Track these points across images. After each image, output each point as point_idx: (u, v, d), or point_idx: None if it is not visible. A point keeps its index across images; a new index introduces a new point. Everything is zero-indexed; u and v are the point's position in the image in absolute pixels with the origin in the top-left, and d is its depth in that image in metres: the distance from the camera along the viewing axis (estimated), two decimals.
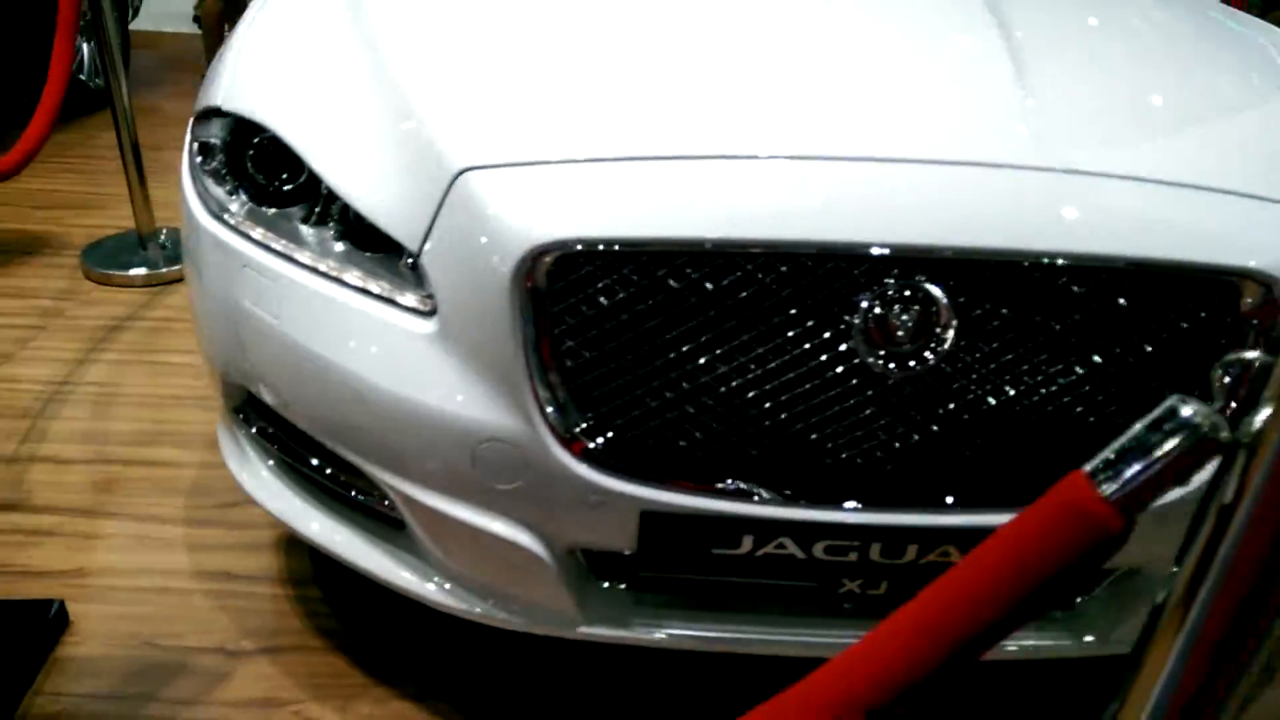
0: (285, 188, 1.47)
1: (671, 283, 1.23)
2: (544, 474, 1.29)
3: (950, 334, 1.24)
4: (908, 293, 1.23)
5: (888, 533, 1.32)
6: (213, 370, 1.59)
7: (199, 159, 1.55)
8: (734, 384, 1.27)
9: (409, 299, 1.33)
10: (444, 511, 1.36)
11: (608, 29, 1.50)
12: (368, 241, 1.39)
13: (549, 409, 1.27)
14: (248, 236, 1.44)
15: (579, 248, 1.21)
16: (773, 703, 0.73)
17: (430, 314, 1.32)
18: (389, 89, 1.42)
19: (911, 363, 1.25)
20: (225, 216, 1.47)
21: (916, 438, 1.30)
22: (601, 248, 1.21)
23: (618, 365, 1.26)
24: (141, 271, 3.10)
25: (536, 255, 1.21)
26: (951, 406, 1.28)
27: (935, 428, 1.29)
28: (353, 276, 1.37)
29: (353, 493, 1.49)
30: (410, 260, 1.34)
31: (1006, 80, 1.40)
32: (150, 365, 2.63)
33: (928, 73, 1.42)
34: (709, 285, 1.23)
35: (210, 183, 1.51)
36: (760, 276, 1.23)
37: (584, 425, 1.28)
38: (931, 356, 1.25)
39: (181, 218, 1.62)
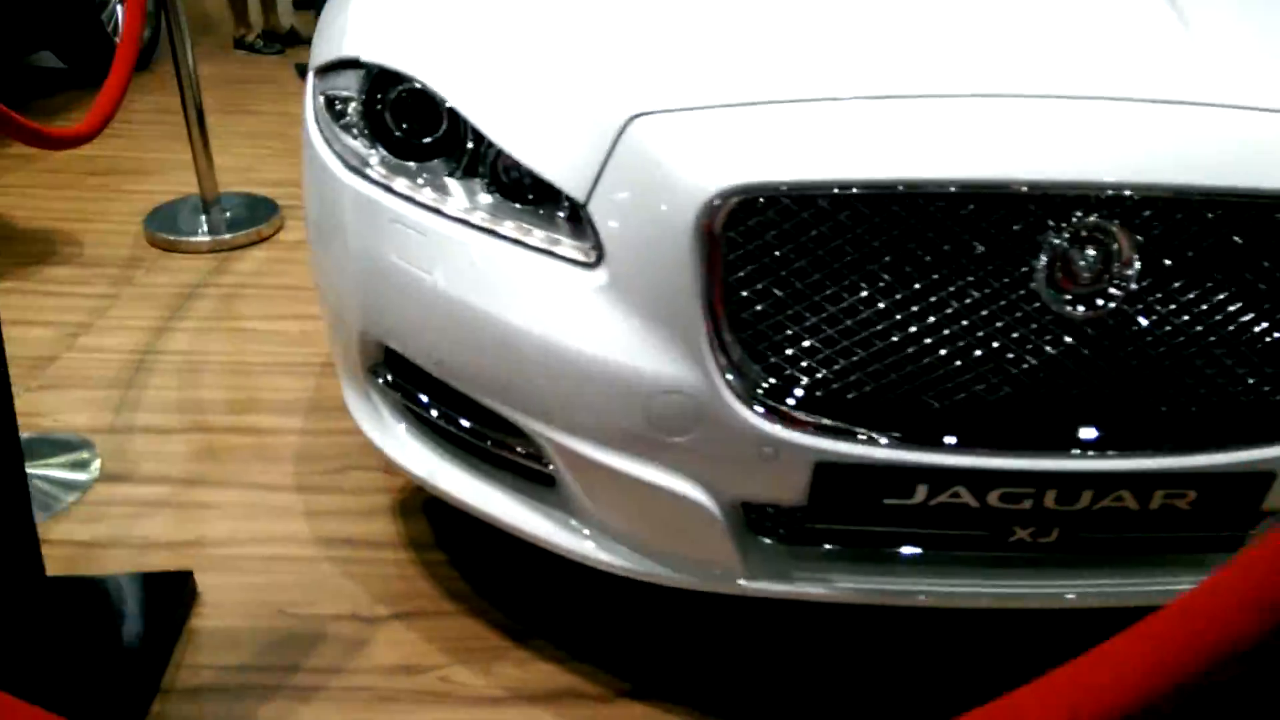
0: (424, 140, 1.42)
1: (852, 227, 1.18)
2: (718, 426, 1.25)
3: (1132, 274, 1.20)
4: (1089, 232, 1.19)
5: (1064, 479, 1.28)
6: (344, 329, 1.55)
7: (326, 113, 1.50)
8: (912, 330, 1.22)
9: (572, 249, 1.29)
10: (609, 466, 1.32)
11: None
12: (521, 192, 1.35)
13: (725, 359, 1.23)
14: (394, 191, 1.40)
15: (762, 193, 1.16)
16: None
17: (595, 264, 1.27)
18: (543, 35, 1.37)
19: (1099, 301, 1.20)
20: (368, 171, 1.42)
21: (1096, 381, 1.26)
22: (784, 191, 1.16)
23: (796, 313, 1.22)
24: (207, 238, 3.05)
25: (717, 201, 1.16)
26: (1132, 349, 1.24)
27: (1115, 371, 1.25)
28: (509, 228, 1.33)
29: (503, 451, 1.46)
30: (569, 210, 1.30)
31: (1169, 16, 1.34)
32: (231, 332, 2.59)
33: (1092, 9, 1.37)
34: (891, 228, 1.18)
35: (346, 137, 1.46)
36: (942, 218, 1.18)
37: (761, 375, 1.24)
38: (1115, 295, 1.21)
39: (304, 175, 1.58)
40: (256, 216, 3.17)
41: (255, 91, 4.64)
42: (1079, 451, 1.27)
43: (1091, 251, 1.20)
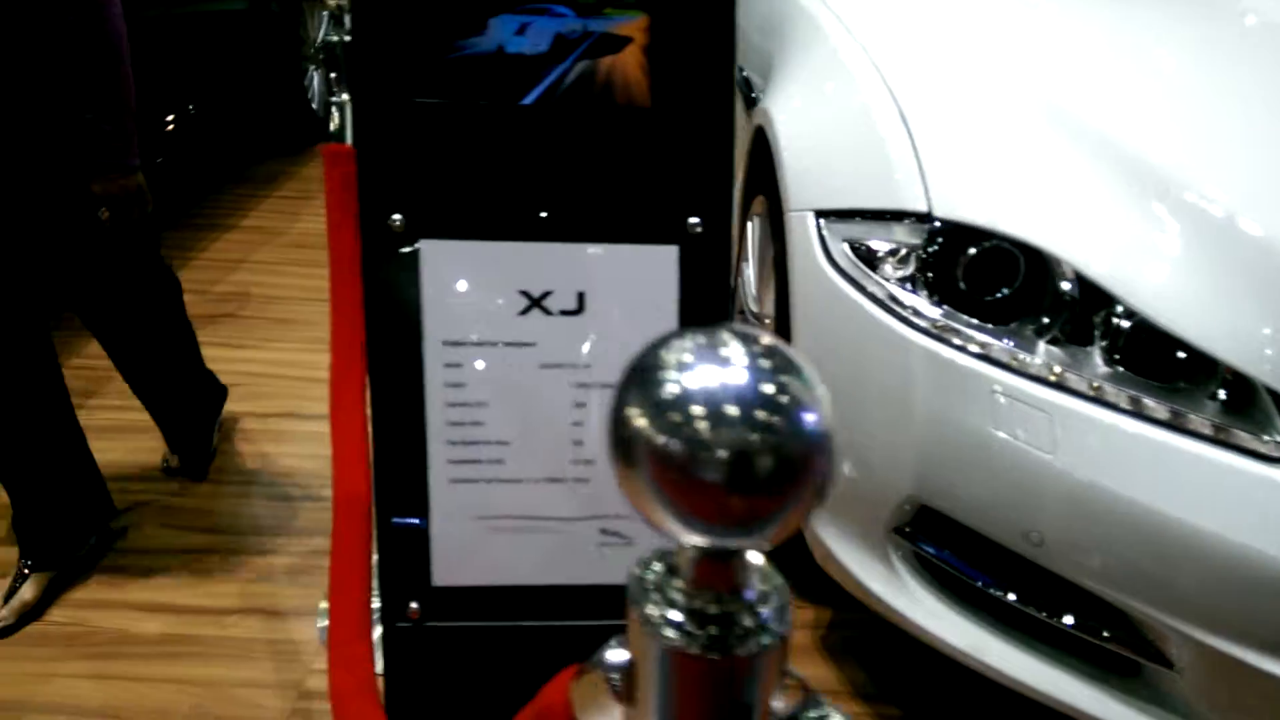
0: (992, 298, 1.33)
1: None
2: None
3: None
4: None
5: None
6: (875, 487, 1.44)
7: (859, 261, 1.41)
8: None
9: (1245, 439, 1.18)
10: (1269, 672, 1.20)
11: None
12: (1148, 366, 1.25)
13: None
14: (994, 360, 1.30)
15: None
16: None
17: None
18: (1174, 194, 1.28)
19: None
20: (949, 336, 1.32)
21: None
22: None
23: None
24: None
25: None
26: None
27: None
28: (1154, 409, 1.22)
29: (1086, 634, 1.34)
30: (1232, 392, 1.19)
31: None
32: None
33: None
34: None
35: (899, 290, 1.37)
36: None
37: None
38: None
39: (808, 314, 1.52)
40: None
41: None
42: None
43: None
